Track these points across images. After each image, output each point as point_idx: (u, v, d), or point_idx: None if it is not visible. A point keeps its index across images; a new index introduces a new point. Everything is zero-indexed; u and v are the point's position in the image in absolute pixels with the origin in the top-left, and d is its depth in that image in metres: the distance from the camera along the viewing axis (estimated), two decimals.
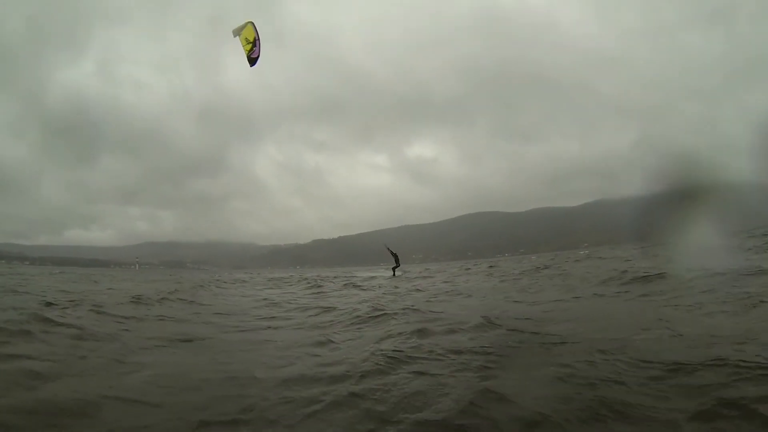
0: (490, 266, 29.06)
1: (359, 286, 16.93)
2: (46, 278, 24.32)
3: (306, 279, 26.66)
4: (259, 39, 10.58)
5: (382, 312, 7.79)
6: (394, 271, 26.30)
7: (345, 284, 18.12)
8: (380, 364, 4.15)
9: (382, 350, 4.70)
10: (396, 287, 15.34)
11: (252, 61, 10.62)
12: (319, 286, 17.49)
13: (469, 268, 28.47)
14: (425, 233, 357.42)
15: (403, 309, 8.07)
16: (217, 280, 29.86)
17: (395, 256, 26.74)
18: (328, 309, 9.32)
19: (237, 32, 10.68)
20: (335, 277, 26.77)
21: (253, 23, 10.69)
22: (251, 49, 10.59)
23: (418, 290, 13.63)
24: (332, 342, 5.67)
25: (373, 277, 24.20)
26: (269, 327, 7.31)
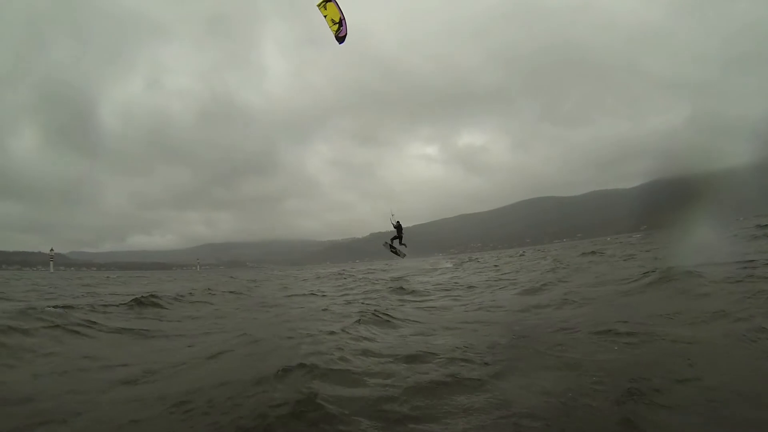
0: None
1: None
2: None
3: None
4: (344, 17, 10.56)
5: None
6: (391, 245, 22.51)
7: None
8: None
9: None
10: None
11: (340, 39, 10.67)
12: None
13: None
14: (482, 222, 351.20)
15: None
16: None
17: (398, 227, 23.22)
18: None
19: (320, 5, 10.62)
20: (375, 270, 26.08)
21: None
22: (338, 29, 10.61)
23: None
24: None
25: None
26: None
